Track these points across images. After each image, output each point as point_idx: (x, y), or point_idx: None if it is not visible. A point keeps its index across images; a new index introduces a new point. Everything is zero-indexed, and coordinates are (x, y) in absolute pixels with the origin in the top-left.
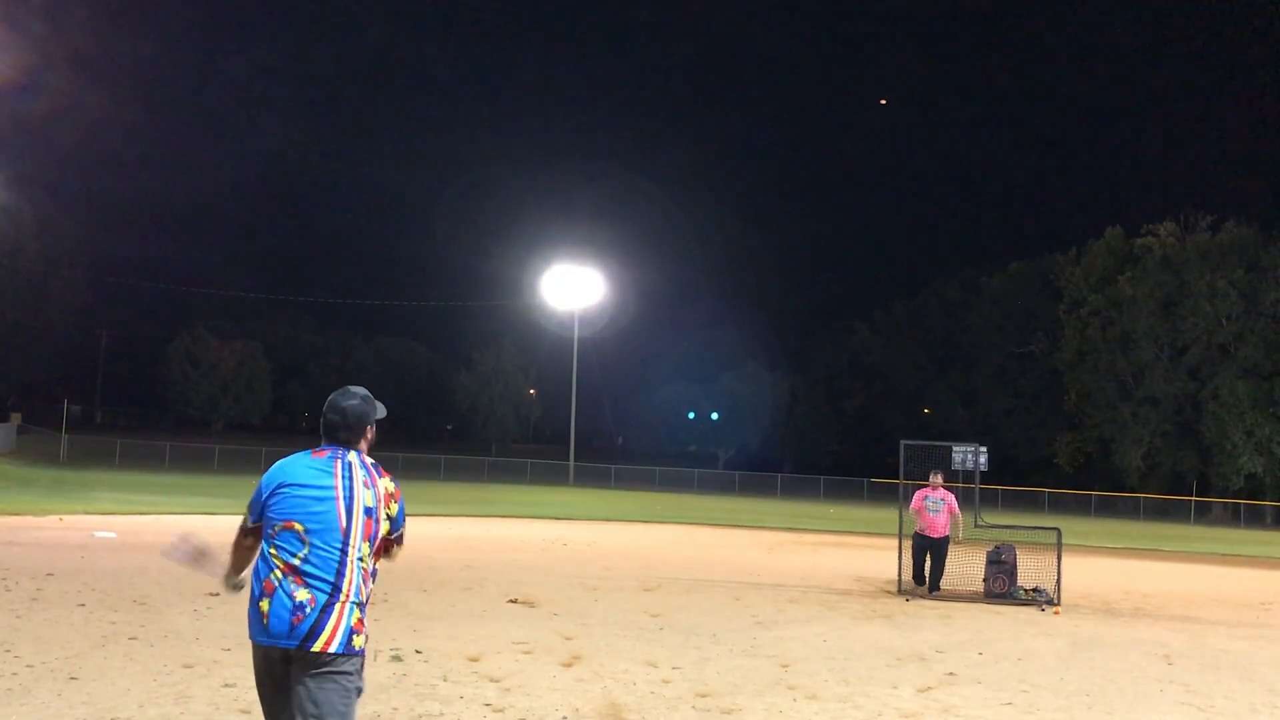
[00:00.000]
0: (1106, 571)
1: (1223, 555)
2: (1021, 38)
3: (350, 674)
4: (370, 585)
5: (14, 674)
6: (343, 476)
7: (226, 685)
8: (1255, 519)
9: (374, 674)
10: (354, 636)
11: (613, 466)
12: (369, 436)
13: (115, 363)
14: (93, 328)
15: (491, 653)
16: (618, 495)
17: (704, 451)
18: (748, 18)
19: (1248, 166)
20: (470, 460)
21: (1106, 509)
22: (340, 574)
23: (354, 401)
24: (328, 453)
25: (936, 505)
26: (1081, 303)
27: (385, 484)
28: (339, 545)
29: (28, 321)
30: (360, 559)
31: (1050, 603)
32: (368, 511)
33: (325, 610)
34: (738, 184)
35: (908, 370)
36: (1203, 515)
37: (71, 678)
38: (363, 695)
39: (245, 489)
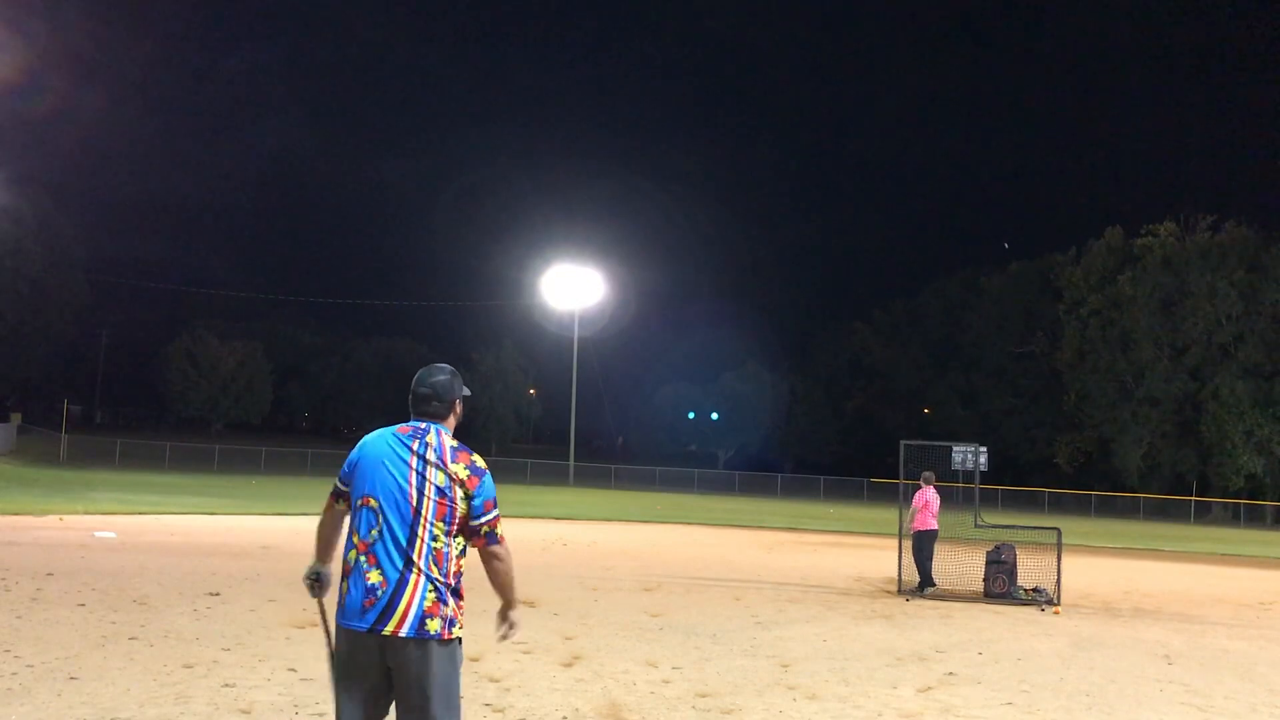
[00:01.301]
0: (1106, 571)
1: (1223, 555)
2: (1022, 38)
3: (447, 656)
4: (452, 569)
5: (14, 674)
6: (419, 454)
7: (226, 685)
8: (1255, 519)
9: None
10: (427, 620)
11: (613, 466)
12: (458, 412)
13: (115, 363)
14: (93, 328)
15: (491, 653)
16: (618, 495)
17: (704, 451)
18: (748, 18)
19: (1248, 166)
20: None
21: (1106, 509)
22: (411, 555)
23: (443, 376)
24: (411, 428)
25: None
26: (1081, 303)
27: (458, 469)
28: (410, 524)
29: (28, 321)
30: (434, 539)
31: (1050, 603)
32: (439, 491)
33: (396, 593)
34: (737, 184)
35: (908, 370)
36: (1203, 515)
37: (71, 678)
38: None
39: (245, 489)
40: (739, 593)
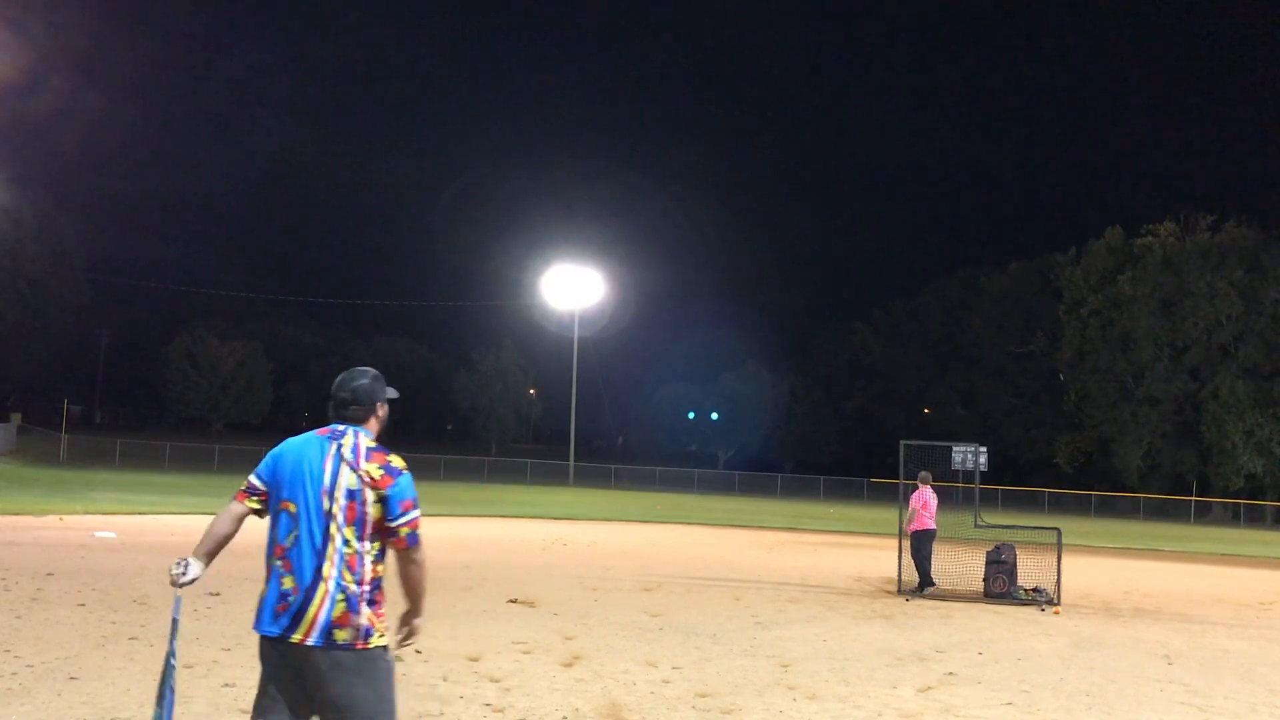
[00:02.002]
0: (1106, 571)
1: (1223, 555)
2: (1021, 37)
3: (362, 667)
4: (367, 575)
5: (14, 674)
6: (334, 457)
7: (226, 685)
8: (1255, 519)
9: None
10: (335, 630)
11: (613, 466)
12: (380, 415)
13: (115, 363)
14: (93, 328)
15: (491, 653)
16: (618, 495)
17: (704, 451)
18: (748, 18)
19: (1248, 166)
20: (470, 460)
21: (1106, 509)
22: (320, 561)
23: (364, 380)
24: (329, 430)
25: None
26: (1081, 303)
27: (371, 468)
28: (322, 529)
29: (28, 321)
30: (346, 544)
31: (1050, 603)
32: (350, 494)
33: (306, 600)
34: (737, 184)
35: (908, 370)
36: (1203, 515)
37: (71, 678)
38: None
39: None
40: (739, 593)
